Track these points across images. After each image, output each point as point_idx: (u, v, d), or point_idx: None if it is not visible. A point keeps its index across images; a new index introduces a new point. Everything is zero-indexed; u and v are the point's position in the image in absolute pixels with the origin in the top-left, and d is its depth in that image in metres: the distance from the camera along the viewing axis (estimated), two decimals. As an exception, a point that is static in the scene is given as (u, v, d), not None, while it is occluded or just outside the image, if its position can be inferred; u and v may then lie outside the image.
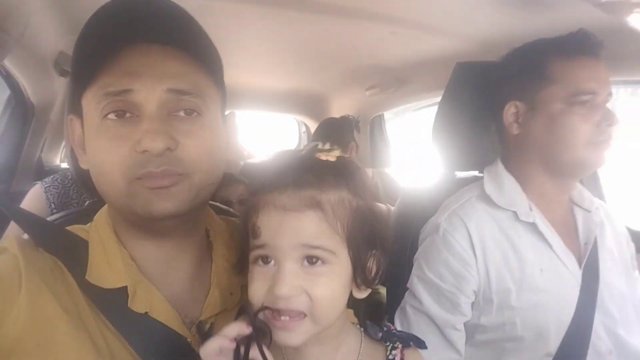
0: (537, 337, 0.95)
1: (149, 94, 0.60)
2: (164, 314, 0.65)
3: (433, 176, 1.30)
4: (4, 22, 0.90)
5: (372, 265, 0.62)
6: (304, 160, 0.62)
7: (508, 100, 1.03)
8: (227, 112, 0.76)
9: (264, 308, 0.56)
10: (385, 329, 0.66)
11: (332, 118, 2.33)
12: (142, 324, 0.63)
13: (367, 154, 2.25)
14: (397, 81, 2.05)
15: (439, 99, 2.10)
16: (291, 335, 0.56)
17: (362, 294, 0.62)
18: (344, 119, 2.29)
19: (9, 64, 1.40)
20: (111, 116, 0.60)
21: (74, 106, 0.65)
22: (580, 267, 0.99)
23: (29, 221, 0.70)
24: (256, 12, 1.32)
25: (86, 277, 0.63)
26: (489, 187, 1.04)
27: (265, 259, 0.58)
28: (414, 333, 0.93)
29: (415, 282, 0.99)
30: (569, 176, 1.02)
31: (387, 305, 1.27)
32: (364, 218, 0.60)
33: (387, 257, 0.63)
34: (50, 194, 1.45)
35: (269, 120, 3.45)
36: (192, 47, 0.64)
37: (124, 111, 0.60)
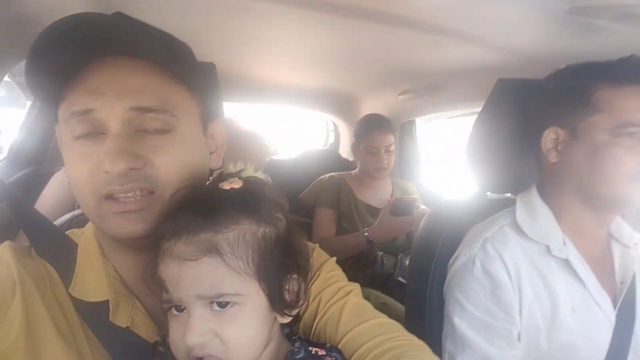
0: (564, 380, 0.90)
1: (111, 113, 0.58)
2: (145, 328, 0.65)
3: (463, 192, 1.26)
4: (39, 15, 0.91)
5: (291, 288, 0.59)
6: (202, 197, 0.58)
7: (548, 125, 0.96)
8: (218, 118, 0.72)
9: None
10: None
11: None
12: (123, 338, 0.63)
13: (395, 162, 2.20)
14: (431, 88, 1.99)
15: (474, 109, 2.06)
16: None
17: (285, 319, 0.60)
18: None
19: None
20: (80, 135, 0.59)
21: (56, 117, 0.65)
22: (615, 307, 0.93)
23: (30, 222, 0.70)
24: (294, 13, 1.29)
25: (69, 290, 0.63)
26: (521, 217, 0.98)
27: (178, 308, 0.56)
28: None
29: (458, 326, 0.92)
30: (608, 211, 0.96)
31: (405, 324, 1.24)
32: (273, 245, 0.57)
33: (305, 274, 0.61)
34: None
35: (296, 117, 3.44)
36: (160, 57, 0.60)
37: (93, 132, 0.59)
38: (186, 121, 0.63)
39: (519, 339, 0.90)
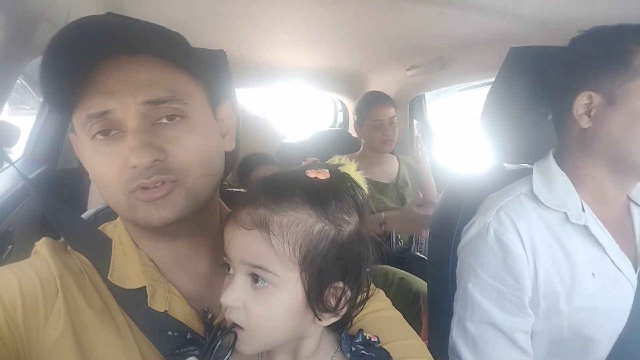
0: (585, 344, 0.91)
1: (127, 110, 0.59)
2: (182, 312, 0.67)
3: (479, 165, 1.25)
4: (48, 12, 0.91)
5: (333, 294, 0.58)
6: (281, 177, 0.60)
7: (581, 89, 0.92)
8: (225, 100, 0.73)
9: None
10: (354, 349, 0.61)
11: None
12: (162, 323, 0.65)
13: (405, 138, 2.19)
14: (441, 62, 1.97)
15: (485, 80, 2.04)
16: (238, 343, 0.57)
17: (325, 322, 0.58)
18: None
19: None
20: (98, 136, 0.61)
21: (71, 124, 0.66)
22: (636, 271, 0.93)
23: (63, 219, 0.73)
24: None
25: (108, 277, 0.66)
26: (538, 186, 0.97)
27: (228, 267, 0.59)
28: (480, 349, 0.91)
29: (471, 291, 0.94)
30: (636, 178, 0.95)
31: (428, 297, 1.26)
32: (327, 245, 0.56)
33: (356, 287, 0.59)
34: None
35: (304, 98, 3.42)
36: (161, 49, 0.62)
37: (109, 129, 0.61)
38: (197, 108, 0.65)
39: (538, 306, 0.91)
